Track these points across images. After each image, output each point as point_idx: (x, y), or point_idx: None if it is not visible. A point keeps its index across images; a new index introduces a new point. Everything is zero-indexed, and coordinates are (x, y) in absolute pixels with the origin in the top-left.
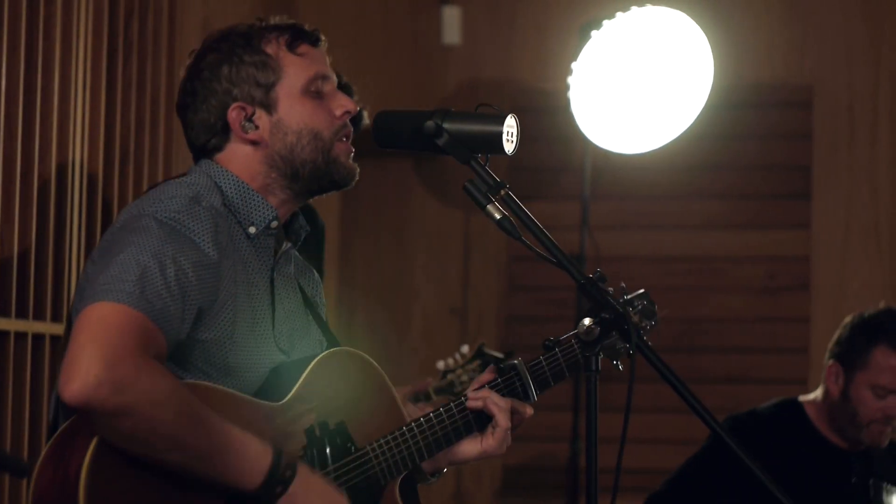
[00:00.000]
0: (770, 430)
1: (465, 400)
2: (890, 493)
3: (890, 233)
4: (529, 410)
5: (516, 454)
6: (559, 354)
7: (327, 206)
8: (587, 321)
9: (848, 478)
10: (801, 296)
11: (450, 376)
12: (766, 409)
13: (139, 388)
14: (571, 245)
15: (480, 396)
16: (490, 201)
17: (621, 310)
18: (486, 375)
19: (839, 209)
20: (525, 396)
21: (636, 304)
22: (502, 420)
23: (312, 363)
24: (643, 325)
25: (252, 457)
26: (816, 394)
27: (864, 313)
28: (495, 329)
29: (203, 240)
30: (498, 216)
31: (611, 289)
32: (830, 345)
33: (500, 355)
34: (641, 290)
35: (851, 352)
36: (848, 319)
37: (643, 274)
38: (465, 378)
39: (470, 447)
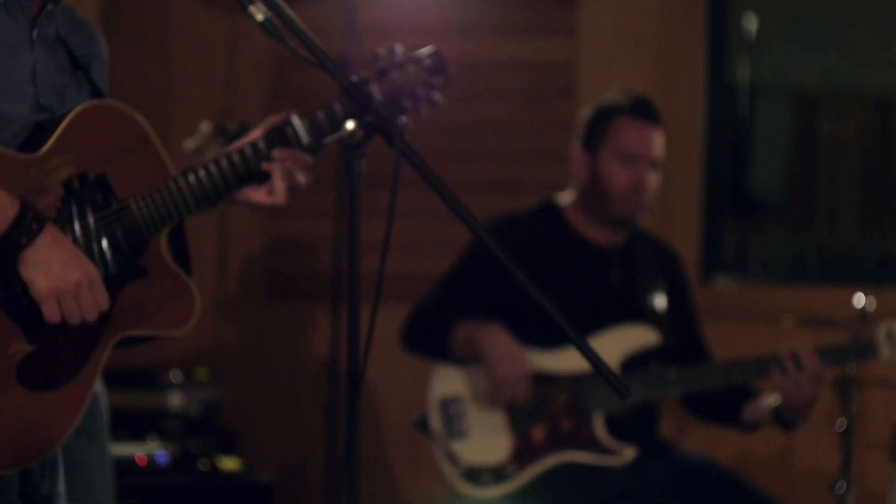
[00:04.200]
0: (528, 231)
1: (252, 158)
2: (654, 288)
3: (657, 39)
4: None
5: (281, 260)
6: (336, 106)
7: (86, 12)
8: (351, 124)
9: (608, 275)
10: (567, 102)
11: (200, 154)
12: (524, 211)
13: None
14: (337, 48)
15: (280, 164)
16: (252, 2)
17: (385, 114)
18: (273, 120)
19: (606, 15)
20: (301, 149)
21: (425, 60)
22: (279, 199)
23: (71, 115)
24: (433, 81)
25: None
26: (572, 193)
27: (598, 103)
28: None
29: None
30: (261, 17)
31: (401, 46)
32: (571, 142)
33: (236, 127)
34: (434, 49)
35: (593, 134)
36: (585, 111)
37: None
38: (214, 150)
39: (252, 194)
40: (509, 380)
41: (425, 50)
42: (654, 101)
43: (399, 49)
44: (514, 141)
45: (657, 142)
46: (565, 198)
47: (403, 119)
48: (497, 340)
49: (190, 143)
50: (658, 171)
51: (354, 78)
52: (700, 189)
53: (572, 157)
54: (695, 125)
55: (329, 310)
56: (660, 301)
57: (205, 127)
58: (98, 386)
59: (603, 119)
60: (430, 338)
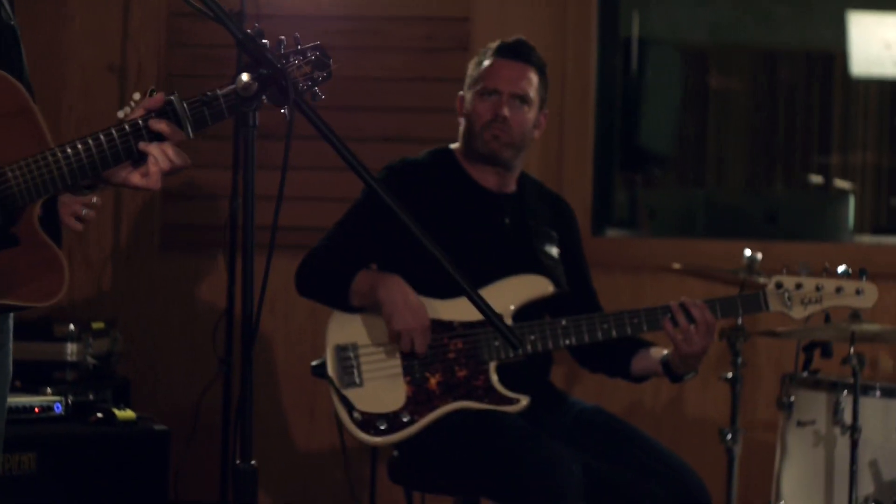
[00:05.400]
0: (422, 175)
1: (130, 135)
2: (543, 235)
3: None
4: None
5: (177, 211)
6: (219, 95)
7: None
8: (245, 77)
9: (501, 219)
10: (460, 56)
11: None
12: (419, 156)
13: None
14: (231, 1)
15: (156, 147)
16: None
17: (279, 66)
18: (151, 103)
19: None
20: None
21: (308, 55)
22: (153, 183)
23: None
24: (315, 76)
25: None
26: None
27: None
28: (155, 86)
29: None
30: None
31: (283, 38)
32: None
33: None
34: (316, 42)
35: (469, 78)
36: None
37: (303, 34)
38: None
39: (128, 176)
40: (408, 331)
41: (310, 44)
42: (537, 48)
43: (283, 41)
44: (408, 94)
45: (520, 78)
46: (457, 145)
47: (284, 110)
48: (395, 292)
49: (122, 112)
50: (526, 109)
51: (249, 30)
52: (592, 142)
53: (457, 104)
54: (587, 80)
55: (224, 260)
56: (552, 250)
57: (137, 96)
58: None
59: (477, 63)
60: (325, 284)
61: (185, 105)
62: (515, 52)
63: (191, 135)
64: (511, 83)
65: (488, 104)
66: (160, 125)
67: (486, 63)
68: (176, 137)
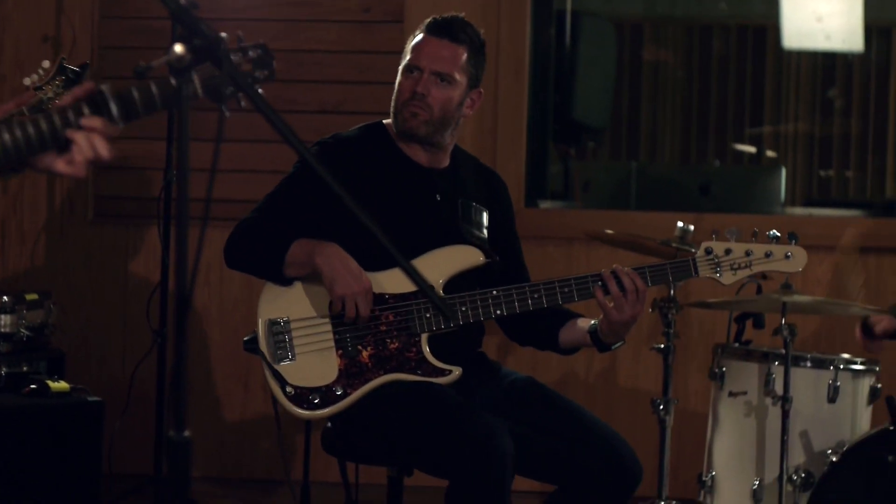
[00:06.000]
0: (354, 149)
1: (58, 122)
2: (477, 211)
3: None
4: (115, 131)
5: (110, 183)
6: (153, 87)
7: None
8: (179, 47)
9: (433, 195)
10: (396, 28)
11: (39, 93)
12: (350, 131)
13: None
14: None
15: (83, 135)
16: None
17: (213, 36)
18: (81, 90)
19: None
20: (110, 121)
21: (250, 53)
22: (77, 170)
23: None
24: (257, 74)
25: None
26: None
27: None
28: (89, 57)
29: None
30: None
31: (224, 34)
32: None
33: (76, 69)
34: (260, 42)
35: (403, 53)
36: None
37: (239, 7)
38: (51, 94)
39: (52, 162)
40: (352, 295)
41: (253, 42)
42: (470, 21)
43: (224, 38)
44: (343, 66)
45: (443, 56)
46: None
47: (224, 109)
48: (333, 258)
49: (30, 80)
50: (448, 87)
51: (182, 1)
52: (526, 115)
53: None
54: (521, 52)
55: (158, 232)
56: (482, 230)
57: (47, 64)
58: None
59: (411, 39)
60: (257, 255)
61: (115, 95)
62: (443, 29)
63: (120, 126)
64: (433, 61)
65: (410, 81)
66: (91, 120)
67: (416, 40)
68: (105, 129)
